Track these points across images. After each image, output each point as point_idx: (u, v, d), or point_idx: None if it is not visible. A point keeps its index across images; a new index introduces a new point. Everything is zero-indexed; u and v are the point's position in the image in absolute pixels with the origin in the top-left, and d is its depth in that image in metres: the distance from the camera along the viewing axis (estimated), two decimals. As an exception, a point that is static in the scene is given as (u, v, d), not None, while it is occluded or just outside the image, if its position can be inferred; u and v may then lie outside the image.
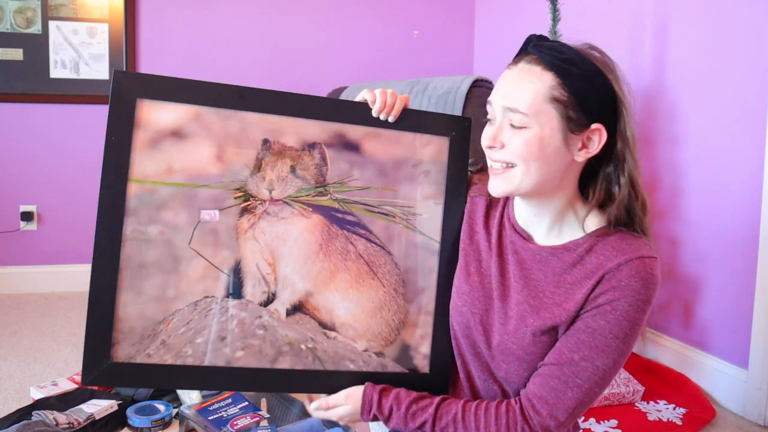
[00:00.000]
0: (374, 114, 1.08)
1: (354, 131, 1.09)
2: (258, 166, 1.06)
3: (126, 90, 1.02)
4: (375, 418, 1.03)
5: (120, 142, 1.02)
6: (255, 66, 3.38)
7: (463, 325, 1.06)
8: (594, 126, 0.94)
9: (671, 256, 2.33)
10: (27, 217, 3.17)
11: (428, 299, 1.12)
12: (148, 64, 3.26)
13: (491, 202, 1.10)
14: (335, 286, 1.09)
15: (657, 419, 1.94)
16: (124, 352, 1.02)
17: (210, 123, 1.05)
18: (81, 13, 3.13)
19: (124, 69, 3.18)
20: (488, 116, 1.00)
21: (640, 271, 0.92)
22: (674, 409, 2.01)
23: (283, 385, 1.09)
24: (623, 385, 2.04)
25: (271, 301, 1.08)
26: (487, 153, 1.00)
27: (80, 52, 3.15)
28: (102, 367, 1.01)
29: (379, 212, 1.11)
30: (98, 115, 3.19)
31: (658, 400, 2.06)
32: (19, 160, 3.15)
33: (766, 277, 1.94)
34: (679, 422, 1.92)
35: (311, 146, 1.08)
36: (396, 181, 1.11)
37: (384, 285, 1.11)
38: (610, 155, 0.96)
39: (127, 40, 3.18)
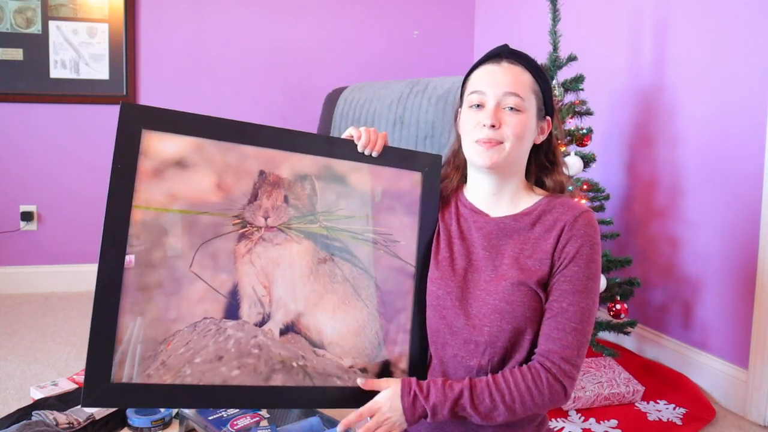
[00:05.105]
0: (359, 149, 1.21)
1: (341, 165, 1.20)
2: (255, 195, 1.14)
3: (132, 121, 1.08)
4: (415, 397, 1.10)
5: (125, 170, 1.07)
6: (255, 66, 3.38)
7: (440, 309, 1.17)
8: (547, 117, 1.22)
9: (671, 256, 2.34)
10: (27, 217, 3.17)
11: (405, 318, 1.21)
12: (148, 64, 3.26)
13: (443, 201, 1.27)
14: (324, 307, 1.17)
15: (657, 419, 1.94)
16: (124, 372, 1.05)
17: (211, 154, 1.12)
18: (81, 13, 3.13)
19: (125, 69, 3.19)
20: (475, 103, 1.16)
21: (590, 221, 1.16)
22: (674, 409, 2.01)
23: (276, 401, 1.14)
24: (623, 385, 2.04)
25: (266, 322, 1.14)
26: (481, 132, 1.15)
27: (80, 52, 3.15)
28: (103, 389, 1.04)
29: (362, 239, 1.20)
30: (98, 115, 3.20)
31: (658, 400, 2.06)
32: (19, 160, 3.15)
33: (766, 277, 1.94)
34: (679, 422, 1.92)
35: (303, 178, 1.17)
36: (377, 210, 1.22)
37: (367, 306, 1.19)
38: (546, 142, 1.24)
39: (127, 40, 3.18)
